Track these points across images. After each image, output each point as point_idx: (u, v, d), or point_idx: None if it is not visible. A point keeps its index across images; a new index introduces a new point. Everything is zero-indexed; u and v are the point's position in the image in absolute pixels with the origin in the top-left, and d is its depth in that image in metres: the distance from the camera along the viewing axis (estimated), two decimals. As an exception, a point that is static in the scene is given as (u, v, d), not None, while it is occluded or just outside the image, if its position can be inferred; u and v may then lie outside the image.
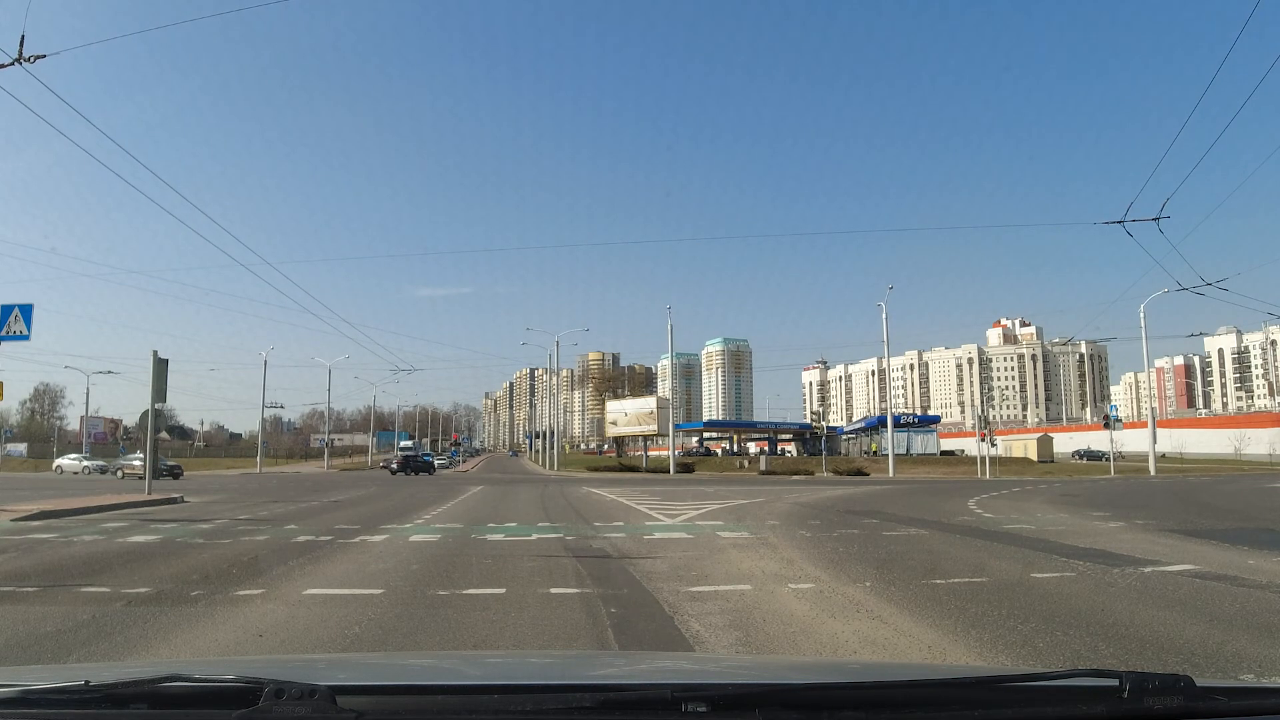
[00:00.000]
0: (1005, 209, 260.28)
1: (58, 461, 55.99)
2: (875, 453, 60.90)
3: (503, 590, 7.16)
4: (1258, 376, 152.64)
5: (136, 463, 35.20)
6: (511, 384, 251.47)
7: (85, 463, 53.46)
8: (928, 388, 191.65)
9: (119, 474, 41.32)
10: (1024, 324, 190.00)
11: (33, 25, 22.60)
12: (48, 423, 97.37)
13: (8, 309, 16.71)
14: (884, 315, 51.51)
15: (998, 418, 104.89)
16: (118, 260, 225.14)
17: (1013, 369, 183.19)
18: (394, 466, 56.59)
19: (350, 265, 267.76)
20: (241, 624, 5.80)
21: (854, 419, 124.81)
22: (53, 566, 8.81)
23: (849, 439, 73.32)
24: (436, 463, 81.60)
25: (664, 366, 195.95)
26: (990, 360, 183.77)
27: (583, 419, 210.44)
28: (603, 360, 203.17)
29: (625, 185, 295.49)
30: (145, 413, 21.16)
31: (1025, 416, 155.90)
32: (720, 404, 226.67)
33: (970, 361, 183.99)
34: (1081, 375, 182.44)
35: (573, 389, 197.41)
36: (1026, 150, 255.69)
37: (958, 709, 1.49)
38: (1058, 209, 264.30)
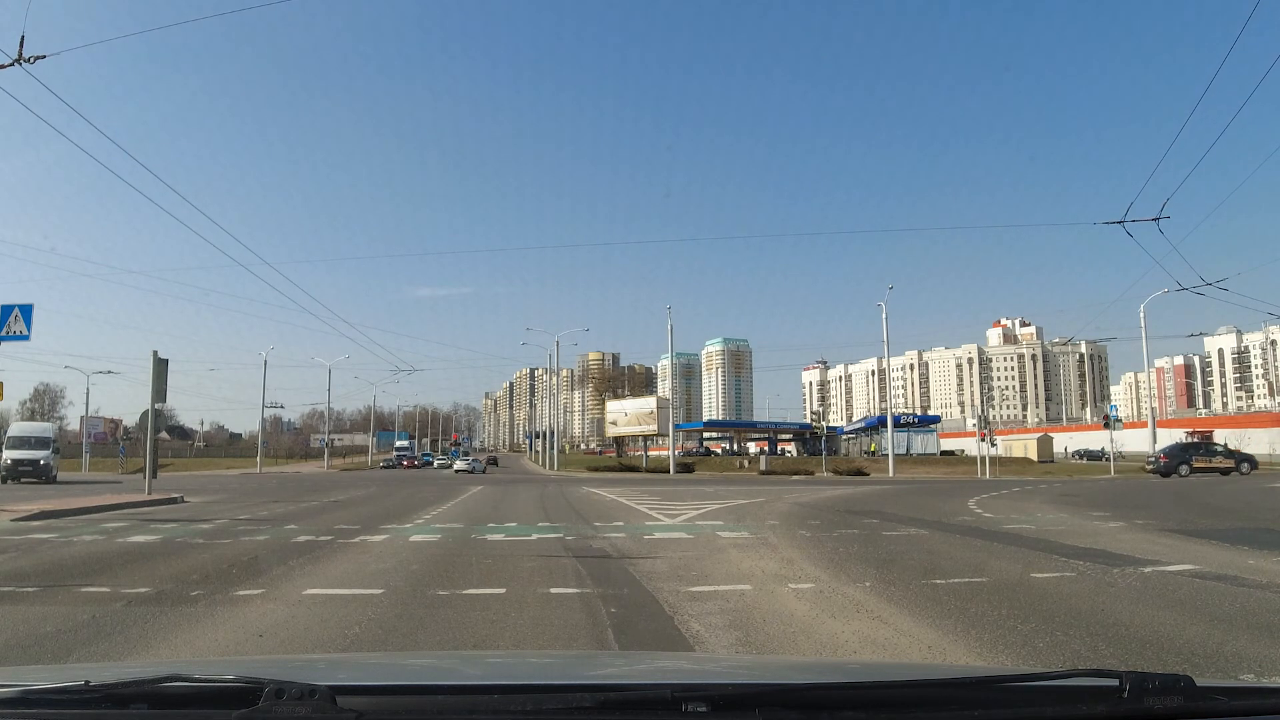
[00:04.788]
0: (1005, 209, 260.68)
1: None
2: (875, 453, 60.83)
3: (503, 590, 7.15)
4: (1258, 376, 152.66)
5: None
6: (511, 384, 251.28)
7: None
8: (928, 388, 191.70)
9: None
10: (1024, 324, 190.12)
11: (33, 25, 22.70)
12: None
13: (8, 309, 16.69)
14: (884, 315, 51.49)
15: (998, 418, 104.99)
16: (118, 260, 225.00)
17: (1013, 369, 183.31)
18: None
19: (350, 265, 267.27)
20: (241, 624, 5.80)
21: (854, 419, 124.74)
22: (53, 566, 8.80)
23: (849, 439, 73.25)
24: (436, 462, 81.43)
25: (664, 366, 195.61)
26: (990, 360, 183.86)
27: (583, 419, 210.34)
28: (603, 360, 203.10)
29: (625, 185, 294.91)
30: (145, 413, 21.13)
31: (1025, 416, 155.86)
32: (720, 404, 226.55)
33: (970, 361, 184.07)
34: (1081, 375, 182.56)
35: (573, 389, 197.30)
36: (1027, 150, 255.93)
37: (958, 709, 1.49)
38: (1058, 209, 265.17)
